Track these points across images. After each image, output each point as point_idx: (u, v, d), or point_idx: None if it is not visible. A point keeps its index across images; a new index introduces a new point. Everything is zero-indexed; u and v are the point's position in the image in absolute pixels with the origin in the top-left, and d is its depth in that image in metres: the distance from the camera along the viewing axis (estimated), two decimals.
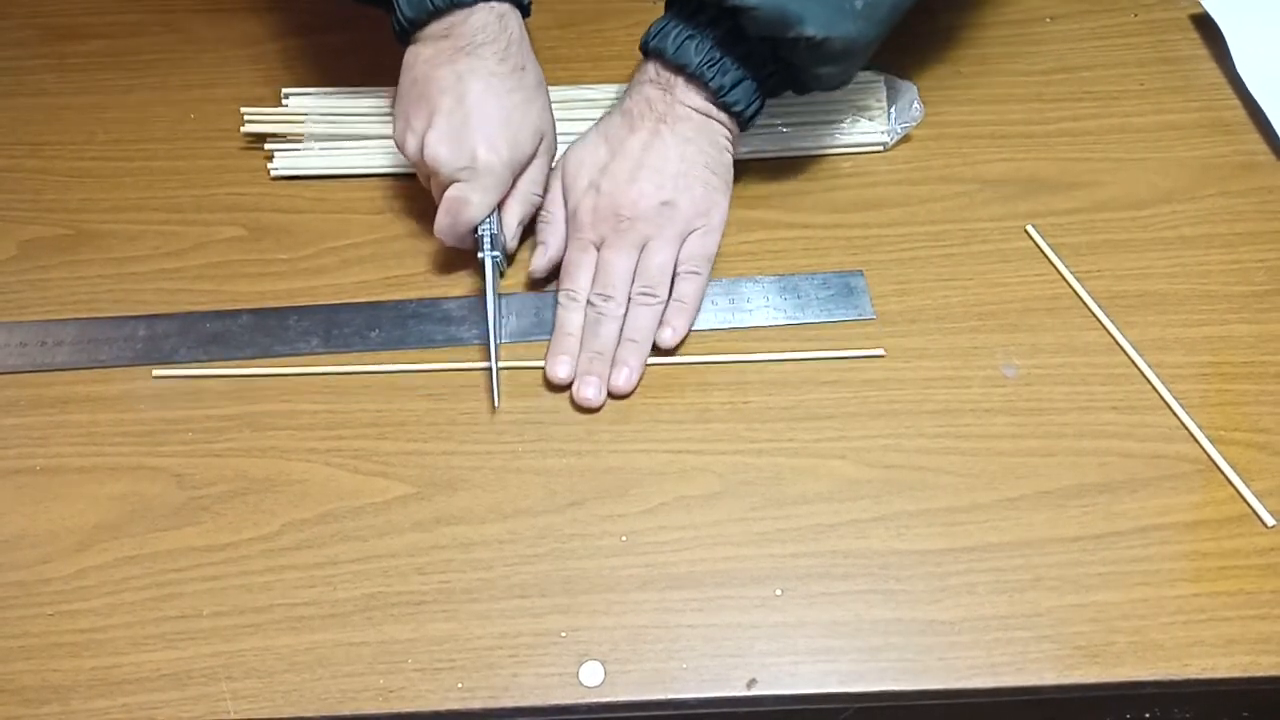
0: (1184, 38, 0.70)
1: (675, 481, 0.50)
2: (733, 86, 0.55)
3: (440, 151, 0.53)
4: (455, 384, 0.54)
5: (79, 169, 0.63)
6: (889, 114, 0.64)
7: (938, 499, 0.50)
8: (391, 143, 0.63)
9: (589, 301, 0.55)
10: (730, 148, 0.57)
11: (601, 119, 0.59)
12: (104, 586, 0.47)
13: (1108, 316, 0.56)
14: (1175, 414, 0.52)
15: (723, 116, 0.56)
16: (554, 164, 0.59)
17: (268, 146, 0.63)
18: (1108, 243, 0.59)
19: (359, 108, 0.65)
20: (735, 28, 0.54)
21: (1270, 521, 0.49)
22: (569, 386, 0.53)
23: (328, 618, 0.46)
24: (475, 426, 0.52)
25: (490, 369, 0.53)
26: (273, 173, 0.62)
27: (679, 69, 0.55)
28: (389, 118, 0.64)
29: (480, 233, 0.55)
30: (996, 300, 0.57)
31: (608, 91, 0.66)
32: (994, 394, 0.53)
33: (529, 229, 0.58)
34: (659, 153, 0.55)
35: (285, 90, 0.65)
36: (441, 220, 0.55)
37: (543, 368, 0.54)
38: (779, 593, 0.47)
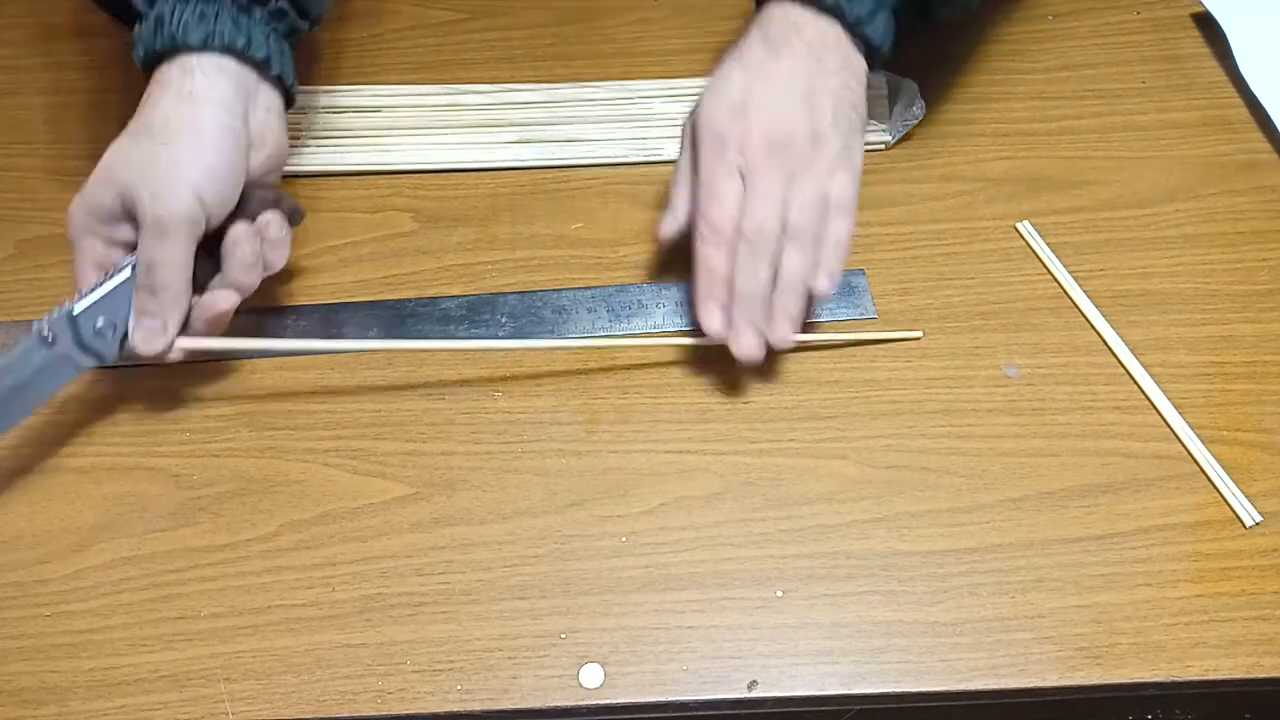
0: (1186, 36, 0.70)
1: (675, 482, 0.50)
2: (870, 16, 0.52)
3: None
4: (454, 384, 0.54)
5: (77, 168, 0.63)
6: (890, 112, 0.64)
7: (939, 499, 0.50)
8: (389, 141, 0.63)
9: (743, 238, 0.49)
10: (865, 86, 0.53)
11: (734, 49, 0.54)
12: (102, 587, 0.47)
13: (1103, 316, 0.56)
14: (1160, 413, 0.52)
15: (859, 54, 0.53)
16: (685, 123, 0.55)
17: None
18: (1110, 241, 0.59)
19: (357, 105, 0.64)
20: None
21: (1249, 520, 0.49)
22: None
23: (326, 619, 0.46)
24: (474, 427, 0.52)
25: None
26: None
27: (812, 3, 0.52)
28: (387, 115, 0.64)
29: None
30: (999, 299, 0.57)
31: (608, 90, 0.66)
32: (996, 394, 0.53)
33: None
34: (805, 81, 0.51)
35: None
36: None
37: (541, 371, 0.54)
38: (780, 594, 0.47)
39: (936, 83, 0.66)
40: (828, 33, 0.52)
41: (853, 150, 0.52)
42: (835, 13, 0.51)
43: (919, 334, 0.55)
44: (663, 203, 0.61)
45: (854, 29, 0.52)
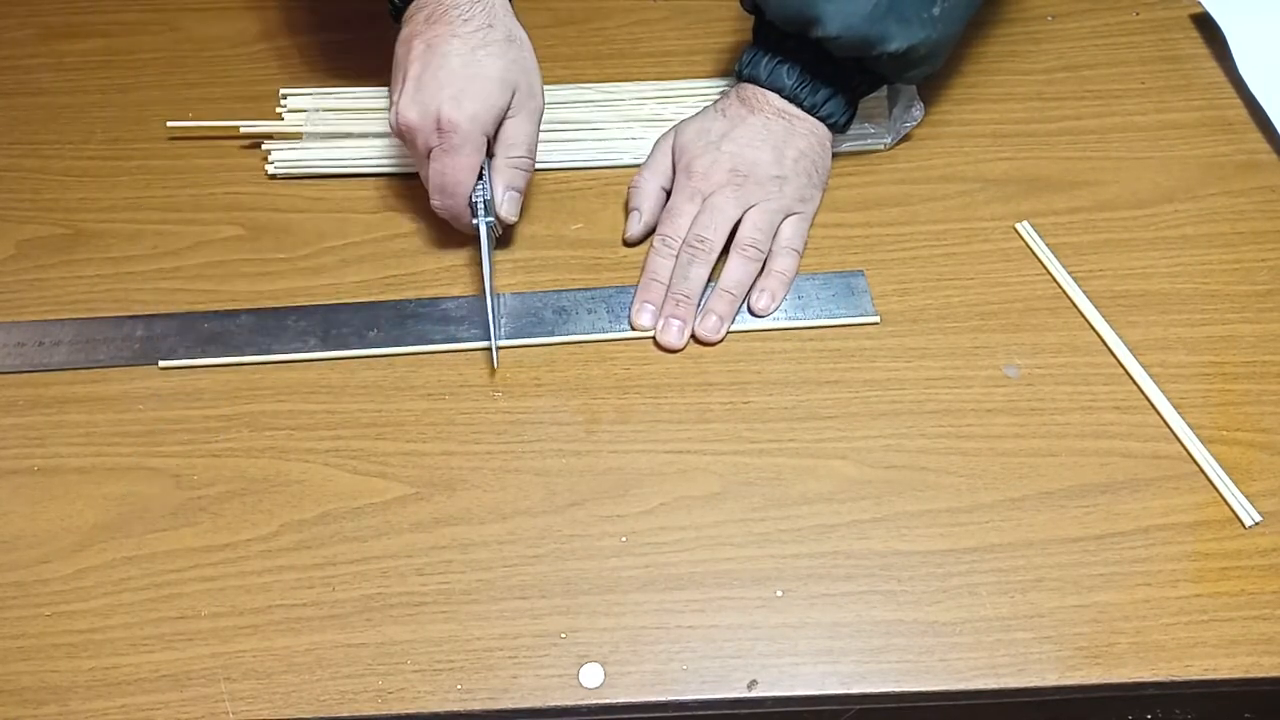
0: (1185, 36, 0.70)
1: (675, 482, 0.50)
2: (825, 102, 0.58)
3: (410, 114, 0.53)
4: (454, 384, 0.54)
5: (77, 168, 0.63)
6: (889, 114, 0.64)
7: (939, 499, 0.50)
8: (390, 142, 0.63)
9: (684, 244, 0.56)
10: (830, 154, 0.60)
11: (715, 103, 0.61)
12: (102, 587, 0.47)
13: (1103, 316, 0.56)
14: (1159, 413, 0.52)
15: (821, 126, 0.59)
16: (663, 136, 0.61)
17: (265, 146, 0.63)
18: (1109, 242, 0.59)
19: (357, 106, 0.64)
20: (821, 51, 0.56)
21: (1249, 520, 0.49)
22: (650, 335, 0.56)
23: (326, 619, 0.46)
24: (475, 427, 0.52)
25: (490, 332, 0.54)
26: (270, 172, 0.62)
27: (775, 90, 0.58)
28: (385, 116, 0.64)
29: (474, 200, 0.55)
30: (998, 300, 0.57)
31: (607, 92, 0.66)
32: (995, 394, 0.53)
33: (533, 203, 0.58)
34: (780, 136, 0.58)
35: (283, 90, 0.65)
36: (435, 202, 0.55)
37: (541, 367, 0.54)
38: (780, 594, 0.47)
39: (936, 84, 0.67)
40: (792, 106, 0.58)
41: (808, 202, 0.59)
42: (794, 100, 0.58)
43: (877, 318, 0.56)
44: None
45: (811, 112, 0.58)
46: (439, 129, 0.53)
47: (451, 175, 0.54)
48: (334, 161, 0.62)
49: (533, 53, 0.56)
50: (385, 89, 0.65)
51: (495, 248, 0.57)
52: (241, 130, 0.63)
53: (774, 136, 0.58)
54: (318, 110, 0.64)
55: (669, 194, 0.59)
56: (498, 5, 0.55)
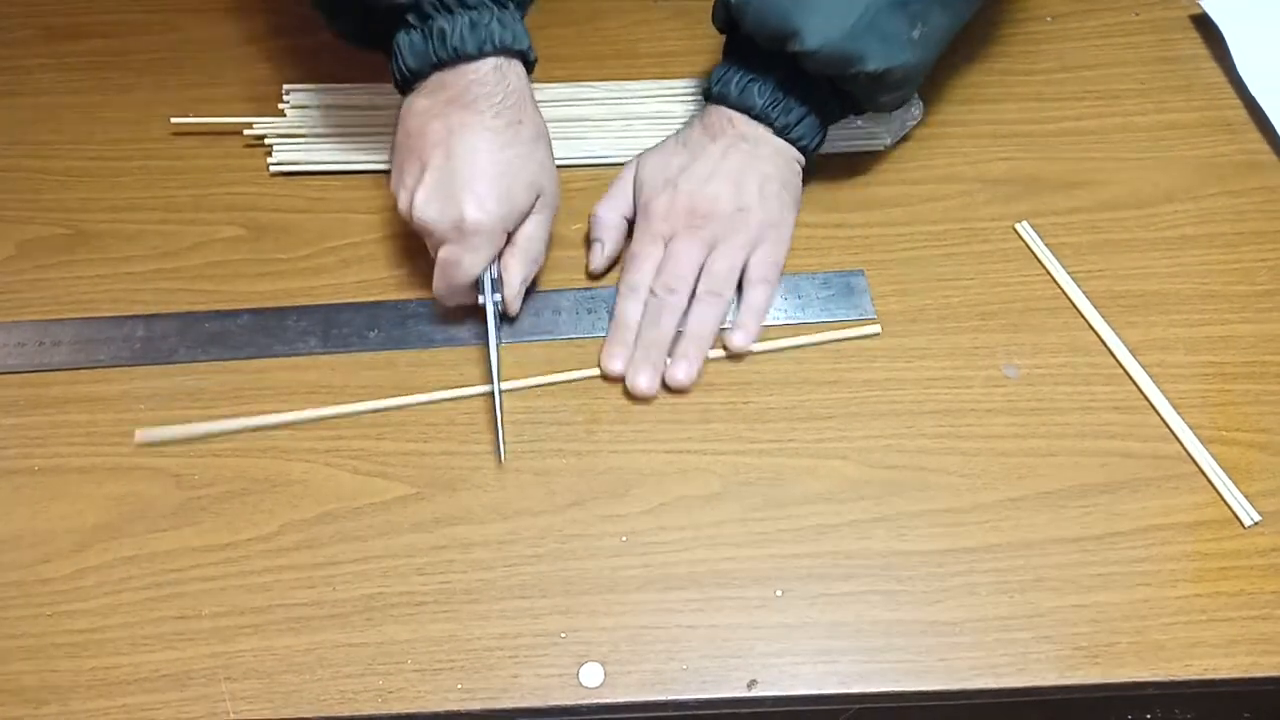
0: (1185, 37, 0.70)
1: (675, 482, 0.50)
2: (797, 123, 0.57)
3: (429, 212, 0.51)
4: (455, 384, 0.54)
5: (78, 168, 0.63)
6: (889, 113, 0.64)
7: (939, 499, 0.50)
8: (390, 141, 0.63)
9: (651, 292, 0.55)
10: (800, 172, 0.58)
11: (679, 131, 0.59)
12: (103, 587, 0.47)
13: (1102, 316, 0.56)
14: (1159, 413, 0.52)
15: (790, 149, 0.57)
16: (627, 166, 0.59)
17: (268, 141, 0.63)
18: (1109, 242, 0.59)
19: (361, 103, 0.64)
20: (795, 68, 0.55)
21: (1248, 520, 0.49)
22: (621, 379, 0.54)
23: (327, 618, 0.46)
24: (475, 427, 0.52)
25: (496, 419, 0.51)
26: (272, 168, 0.62)
27: (745, 110, 0.57)
28: (387, 115, 0.64)
29: (480, 277, 0.53)
30: (998, 300, 0.57)
31: (607, 90, 0.66)
32: (995, 394, 0.53)
33: (530, 289, 0.57)
34: (738, 163, 0.56)
35: (286, 86, 0.65)
36: (438, 285, 0.53)
37: (541, 366, 0.54)
38: (779, 593, 0.47)
39: (936, 84, 0.67)
40: (758, 128, 0.57)
41: (781, 226, 0.57)
42: (764, 120, 0.56)
43: (878, 328, 0.55)
44: None
45: (782, 134, 0.57)
46: (459, 229, 0.50)
47: (464, 272, 0.52)
48: (337, 158, 0.62)
49: (550, 144, 0.55)
50: (386, 86, 0.65)
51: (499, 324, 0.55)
52: (243, 126, 0.63)
53: (731, 165, 0.56)
54: (321, 106, 0.64)
55: (630, 222, 0.58)
56: (527, 97, 0.53)
